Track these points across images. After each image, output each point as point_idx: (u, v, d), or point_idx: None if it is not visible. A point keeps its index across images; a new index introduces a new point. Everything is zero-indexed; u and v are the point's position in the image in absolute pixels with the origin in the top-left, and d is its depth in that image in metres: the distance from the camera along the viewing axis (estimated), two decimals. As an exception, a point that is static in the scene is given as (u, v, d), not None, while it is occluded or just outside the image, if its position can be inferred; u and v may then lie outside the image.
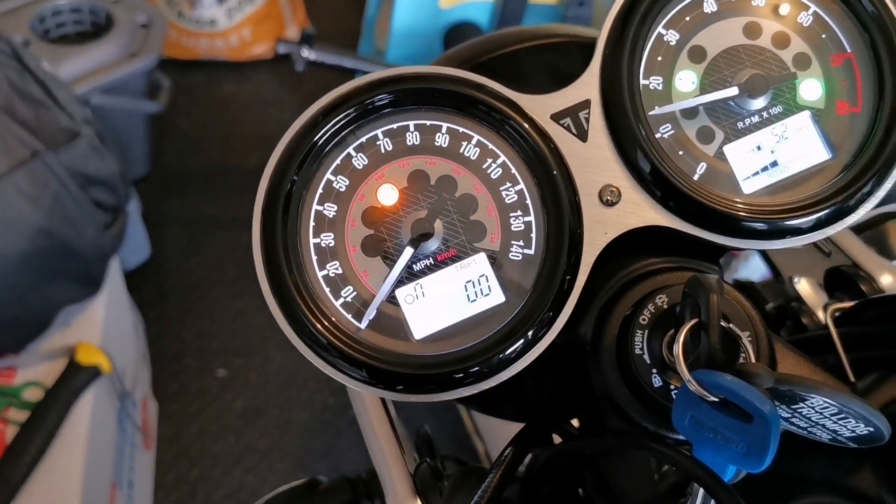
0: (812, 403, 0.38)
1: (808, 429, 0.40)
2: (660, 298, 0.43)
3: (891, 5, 0.46)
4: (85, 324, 1.40)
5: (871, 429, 0.38)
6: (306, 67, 1.69)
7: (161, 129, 2.37)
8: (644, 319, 0.43)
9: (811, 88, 0.47)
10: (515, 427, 0.54)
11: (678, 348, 0.38)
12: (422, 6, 2.03)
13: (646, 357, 0.42)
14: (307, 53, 1.64)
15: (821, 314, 0.58)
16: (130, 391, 1.60)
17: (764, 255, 0.70)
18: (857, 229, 0.73)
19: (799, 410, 0.38)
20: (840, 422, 0.38)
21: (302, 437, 1.93)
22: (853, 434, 0.39)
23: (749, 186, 0.46)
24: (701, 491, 0.38)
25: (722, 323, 0.39)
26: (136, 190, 1.93)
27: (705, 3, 0.47)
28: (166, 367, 1.98)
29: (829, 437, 0.40)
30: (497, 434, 0.52)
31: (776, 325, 0.65)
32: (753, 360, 0.41)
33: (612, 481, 0.45)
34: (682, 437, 0.40)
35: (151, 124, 2.18)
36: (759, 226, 0.45)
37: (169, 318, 2.08)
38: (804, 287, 0.63)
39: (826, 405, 0.37)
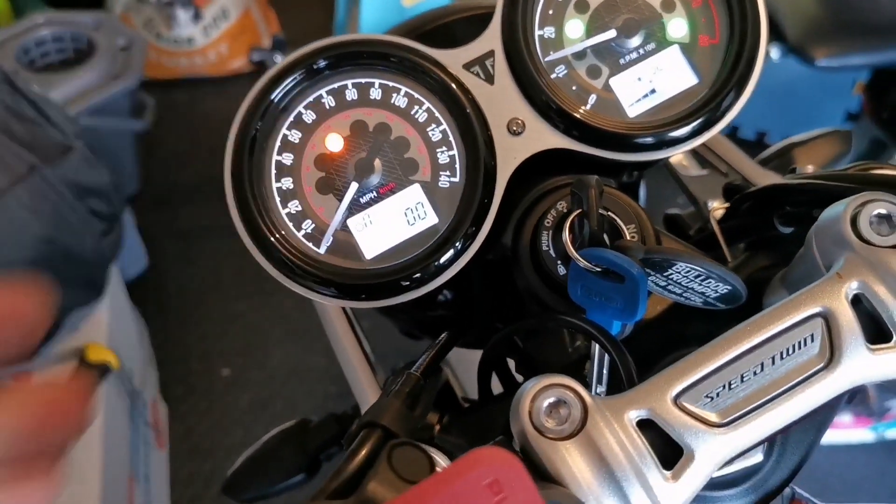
0: (678, 269, 0.47)
1: (683, 294, 0.49)
2: (560, 204, 0.53)
3: (736, -48, 0.55)
4: (91, 326, 1.50)
5: (729, 287, 0.47)
6: (280, 72, 1.78)
7: (149, 147, 2.46)
8: (548, 222, 0.53)
9: (677, 27, 0.56)
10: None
11: (566, 234, 0.48)
12: (386, 6, 2.13)
13: (552, 252, 0.52)
14: (280, 58, 1.74)
15: (720, 223, 0.68)
16: (140, 391, 1.69)
17: (682, 187, 0.80)
18: (766, 160, 0.83)
19: (671, 277, 0.48)
20: (704, 284, 0.48)
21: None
22: (717, 294, 0.48)
23: (633, 111, 0.56)
24: (597, 347, 0.48)
25: (602, 212, 0.49)
26: (130, 206, 2.03)
27: (585, -36, 0.57)
28: (173, 371, 2.07)
29: (701, 300, 0.49)
30: (472, 377, 0.61)
31: (699, 245, 0.75)
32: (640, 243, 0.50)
33: (536, 358, 0.55)
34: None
35: (139, 143, 2.27)
36: (646, 140, 0.55)
37: (171, 325, 2.18)
38: (713, 206, 0.72)
39: (689, 269, 0.47)
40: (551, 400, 0.37)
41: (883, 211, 0.38)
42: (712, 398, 0.36)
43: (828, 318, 0.37)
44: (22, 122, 1.31)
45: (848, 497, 1.99)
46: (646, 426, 0.36)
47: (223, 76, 2.69)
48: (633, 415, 0.36)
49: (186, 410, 2.01)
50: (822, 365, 0.37)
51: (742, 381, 0.36)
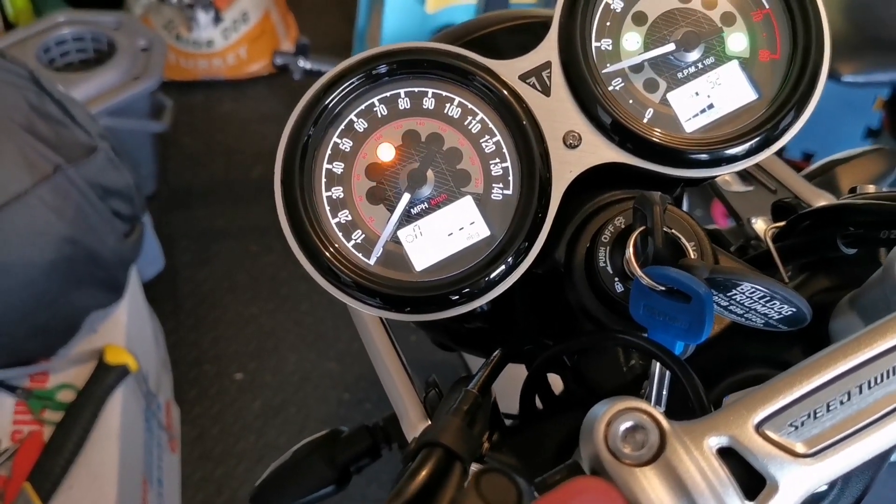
0: (743, 290, 0.46)
1: (744, 315, 0.48)
2: (618, 220, 0.52)
3: (799, -33, 0.54)
4: (110, 328, 1.49)
5: (794, 309, 0.46)
6: (303, 77, 1.78)
7: (166, 149, 2.46)
8: (606, 238, 0.51)
9: (737, 41, 0.55)
10: (520, 383, 0.62)
11: (629, 251, 0.47)
12: (409, 13, 2.13)
13: (609, 269, 0.51)
14: (303, 63, 1.74)
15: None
16: (155, 393, 1.68)
17: (726, 203, 0.79)
18: (810, 177, 0.82)
19: (734, 297, 0.47)
20: (768, 305, 0.47)
21: (320, 431, 2.01)
22: (781, 316, 0.47)
23: (690, 126, 0.55)
24: (657, 367, 0.46)
25: (666, 230, 0.48)
26: (147, 207, 2.02)
27: (644, -25, 0.56)
28: (186, 374, 2.06)
29: (763, 321, 0.48)
30: (504, 391, 0.60)
31: (757, 263, 0.74)
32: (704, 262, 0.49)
33: (589, 377, 0.54)
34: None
35: (157, 144, 2.27)
36: (702, 157, 0.54)
37: (185, 327, 2.17)
38: (759, 224, 0.71)
39: (754, 290, 0.46)
40: (627, 425, 0.35)
41: (973, 236, 0.37)
42: (797, 427, 0.35)
43: (918, 347, 0.36)
44: (47, 122, 1.30)
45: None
46: (726, 454, 0.35)
47: (242, 79, 2.68)
48: (714, 442, 0.35)
49: (198, 414, 2.00)
50: (913, 395, 0.36)
51: (828, 410, 0.35)
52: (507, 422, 0.64)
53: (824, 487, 0.48)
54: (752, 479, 0.35)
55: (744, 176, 0.76)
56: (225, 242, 2.35)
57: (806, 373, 0.36)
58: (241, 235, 2.35)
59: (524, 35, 0.66)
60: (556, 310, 0.58)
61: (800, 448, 0.35)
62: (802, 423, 0.35)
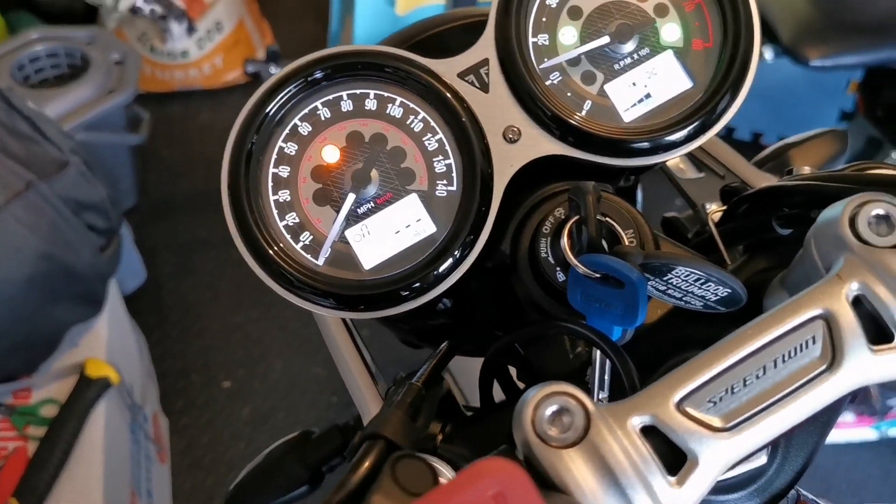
0: (678, 273, 0.47)
1: (682, 298, 0.49)
2: (558, 211, 0.53)
3: (727, -44, 0.56)
4: (90, 342, 1.50)
5: (729, 290, 0.47)
6: (275, 83, 1.79)
7: (145, 161, 2.46)
8: (546, 229, 0.52)
9: (671, 31, 0.56)
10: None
11: (564, 241, 0.48)
12: (380, 16, 2.14)
13: (550, 259, 0.52)
14: (274, 70, 1.74)
15: (718, 225, 0.68)
16: (140, 405, 1.68)
17: (680, 190, 0.80)
18: (762, 162, 0.83)
19: (670, 281, 0.48)
20: (704, 287, 0.48)
21: (307, 435, 2.01)
22: (717, 297, 0.48)
23: (628, 116, 0.56)
24: (598, 352, 0.48)
25: (600, 218, 0.49)
26: (127, 219, 2.02)
27: (578, -30, 0.57)
28: (173, 385, 2.07)
29: (701, 304, 0.49)
30: (474, 385, 0.61)
31: (697, 249, 0.75)
32: (639, 248, 0.50)
33: (537, 366, 0.55)
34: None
35: (135, 157, 2.27)
36: (642, 145, 0.55)
37: (170, 337, 2.17)
38: (712, 209, 0.72)
39: (689, 273, 0.47)
40: (554, 408, 0.36)
41: (881, 211, 0.38)
42: (715, 403, 0.36)
43: (829, 320, 0.37)
44: (18, 139, 1.31)
45: (853, 496, 1.98)
46: (649, 432, 0.36)
47: (218, 88, 2.69)
48: (637, 421, 0.36)
49: (187, 424, 2.00)
50: (824, 367, 0.37)
51: (745, 385, 0.36)
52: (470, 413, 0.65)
53: (763, 460, 0.49)
54: (674, 456, 0.36)
55: (696, 163, 0.77)
56: (208, 252, 2.35)
57: (723, 350, 0.37)
58: (223, 245, 2.36)
59: (474, 33, 0.67)
60: (507, 302, 0.59)
61: (718, 423, 0.36)
62: (721, 399, 0.36)
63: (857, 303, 0.38)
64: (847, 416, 1.94)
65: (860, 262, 0.38)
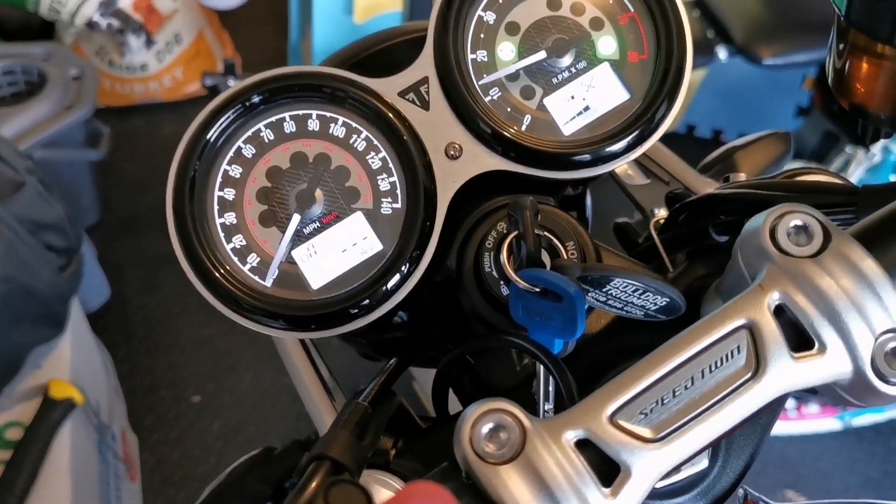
0: (616, 284, 0.48)
1: (623, 308, 0.50)
2: (500, 225, 0.54)
3: (658, -29, 0.57)
4: (54, 362, 1.48)
5: (668, 299, 0.48)
6: (234, 96, 1.79)
7: (107, 176, 2.44)
8: (490, 243, 0.53)
9: (607, 44, 0.58)
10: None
11: (503, 256, 0.49)
12: (338, 25, 2.14)
13: (494, 273, 0.53)
14: (232, 82, 1.74)
15: (663, 232, 0.69)
16: (108, 424, 1.67)
17: (629, 196, 0.81)
18: (709, 165, 0.85)
19: (609, 292, 0.49)
20: (642, 297, 0.48)
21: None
22: (657, 306, 0.49)
23: (568, 129, 0.57)
24: (541, 367, 0.48)
25: (539, 232, 0.50)
26: (90, 236, 2.01)
27: (513, -13, 0.58)
28: (142, 401, 2.05)
29: (642, 313, 0.50)
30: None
31: (643, 255, 0.76)
32: (577, 262, 0.51)
33: (486, 378, 0.56)
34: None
35: (96, 172, 2.25)
36: (584, 157, 0.56)
37: (138, 353, 2.15)
38: (658, 215, 0.74)
39: (627, 284, 0.48)
40: (490, 425, 0.37)
41: (799, 222, 0.40)
42: (646, 414, 0.37)
43: (752, 330, 0.38)
44: (-29, 162, 1.30)
45: (821, 486, 2.02)
46: (584, 445, 0.37)
47: (180, 100, 2.67)
48: (571, 435, 0.37)
49: (156, 441, 1.99)
50: (748, 375, 0.38)
51: (674, 395, 0.37)
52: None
53: (705, 464, 0.50)
54: (608, 467, 0.37)
55: (643, 169, 0.79)
56: (174, 267, 2.28)
57: (653, 363, 0.38)
58: (189, 258, 2.35)
59: (420, 47, 0.68)
60: (456, 315, 0.60)
61: (649, 434, 0.37)
62: (651, 411, 0.37)
63: (779, 312, 0.39)
64: (812, 407, 1.97)
65: (781, 271, 0.39)
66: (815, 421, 1.98)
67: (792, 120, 2.44)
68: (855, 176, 2.02)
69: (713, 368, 0.38)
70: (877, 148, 2.00)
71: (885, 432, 2.09)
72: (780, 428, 1.99)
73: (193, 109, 2.71)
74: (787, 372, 0.37)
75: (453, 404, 0.62)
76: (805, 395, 1.91)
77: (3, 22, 2.50)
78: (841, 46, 0.44)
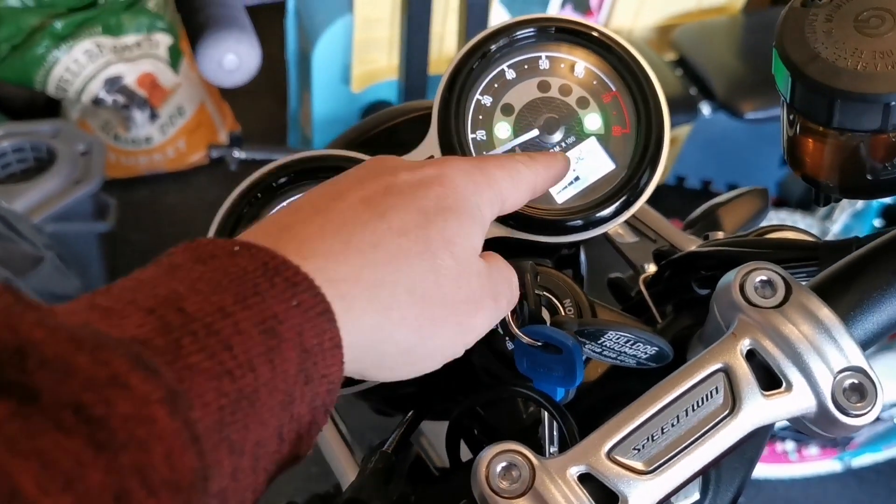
0: (610, 337, 0.54)
1: (618, 357, 0.56)
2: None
3: (635, 53, 0.64)
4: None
5: (657, 348, 0.54)
6: (239, 167, 1.86)
7: (115, 247, 2.50)
8: (494, 303, 0.59)
9: (593, 121, 0.64)
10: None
11: (508, 315, 0.55)
12: (336, 94, 2.23)
13: (500, 330, 0.58)
14: (238, 154, 1.82)
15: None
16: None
17: (621, 254, 0.87)
18: (693, 222, 0.91)
19: (604, 344, 0.54)
20: (634, 347, 0.54)
21: (290, 507, 2.04)
22: (648, 355, 0.55)
23: (561, 198, 0.63)
24: (546, 413, 0.54)
25: (539, 292, 0.55)
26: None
27: (507, 73, 0.65)
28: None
29: (634, 361, 0.56)
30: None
31: (634, 308, 0.82)
32: (574, 317, 0.57)
33: (496, 425, 0.61)
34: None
35: (104, 244, 2.32)
36: (577, 223, 0.62)
37: (147, 420, 2.18)
38: (647, 271, 0.80)
39: (619, 336, 0.53)
40: (503, 464, 0.43)
41: (765, 277, 0.46)
42: (639, 450, 0.43)
43: (728, 373, 0.44)
44: (-6, 239, 1.36)
45: (825, 528, 2.04)
46: (586, 479, 0.42)
47: (184, 170, 2.76)
48: (575, 470, 0.42)
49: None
50: (726, 412, 0.43)
51: (662, 432, 0.43)
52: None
53: (697, 496, 0.55)
54: (607, 498, 0.42)
55: (632, 228, 0.85)
56: None
57: (643, 404, 0.44)
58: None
59: (423, 124, 0.75)
60: (467, 370, 0.65)
61: (642, 466, 0.42)
62: (643, 446, 0.43)
63: (751, 356, 0.45)
64: (811, 450, 2.01)
65: (750, 321, 0.45)
66: (816, 463, 2.02)
67: (777, 170, 2.52)
68: (840, 222, 2.09)
69: (696, 407, 0.43)
70: (859, 194, 2.07)
71: (886, 472, 2.12)
72: (783, 471, 2.03)
73: (196, 178, 2.80)
74: (759, 408, 0.43)
75: (464, 454, 0.67)
76: (804, 437, 1.95)
77: (10, 100, 2.59)
78: (789, 124, 0.50)
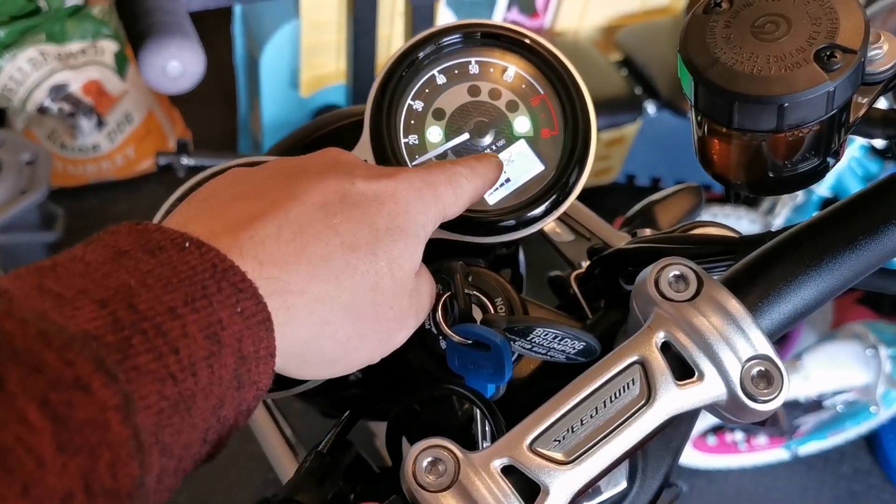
0: (538, 333, 0.55)
1: (547, 353, 0.57)
2: (437, 287, 0.61)
3: (562, 56, 0.66)
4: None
5: (584, 343, 0.56)
6: (187, 173, 1.85)
7: (63, 256, 2.47)
8: (428, 304, 0.60)
9: (522, 124, 0.66)
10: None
11: (439, 315, 0.56)
12: (285, 100, 2.23)
13: (433, 330, 0.60)
14: (186, 160, 1.81)
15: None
16: None
17: (558, 251, 0.89)
18: (631, 219, 0.94)
19: (533, 340, 0.56)
20: (562, 343, 0.56)
21: (247, 514, 2.03)
22: (576, 350, 0.57)
23: (493, 199, 0.65)
24: (477, 410, 0.55)
25: (469, 291, 0.57)
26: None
27: (437, 78, 0.66)
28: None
29: (563, 356, 0.58)
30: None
31: (569, 305, 0.84)
32: (504, 315, 0.59)
33: (433, 423, 0.62)
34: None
35: (52, 254, 2.28)
36: (509, 222, 0.64)
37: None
38: (583, 268, 0.82)
39: (547, 332, 0.55)
40: (429, 459, 0.44)
41: (678, 272, 0.48)
42: (559, 441, 0.44)
43: (644, 364, 0.46)
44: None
45: (776, 515, 2.10)
46: (509, 471, 0.44)
47: (132, 178, 2.73)
48: (498, 463, 0.44)
49: (124, 516, 1.99)
50: (642, 403, 0.45)
51: (582, 424, 0.45)
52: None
53: (625, 484, 0.57)
54: (530, 489, 0.44)
55: (569, 226, 0.87)
56: None
57: (563, 397, 0.45)
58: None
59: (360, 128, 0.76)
60: (405, 369, 0.66)
61: (562, 457, 0.44)
62: (564, 437, 0.44)
63: (666, 348, 0.47)
64: (760, 440, 2.06)
65: (665, 314, 0.47)
66: (764, 452, 2.06)
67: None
68: (782, 216, 2.14)
69: (613, 399, 0.45)
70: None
71: (833, 459, 2.18)
72: (733, 461, 2.07)
73: (146, 186, 2.77)
74: (674, 398, 0.45)
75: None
76: (752, 427, 1.99)
77: (-47, 110, 2.54)
78: (698, 125, 0.52)
